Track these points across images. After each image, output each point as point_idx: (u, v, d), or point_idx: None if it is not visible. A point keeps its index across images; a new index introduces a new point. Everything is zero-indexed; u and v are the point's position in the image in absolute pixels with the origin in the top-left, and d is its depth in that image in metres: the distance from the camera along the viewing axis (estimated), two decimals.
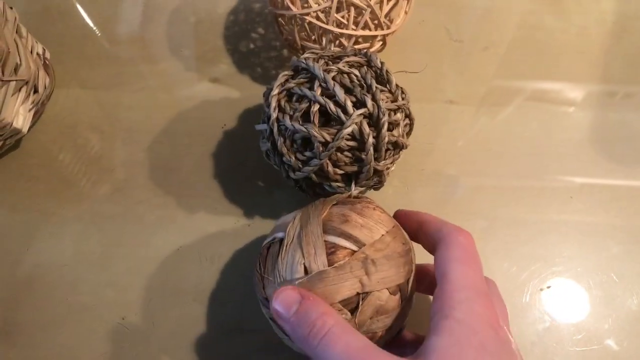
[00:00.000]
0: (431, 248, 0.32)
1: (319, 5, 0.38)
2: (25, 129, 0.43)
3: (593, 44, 0.49)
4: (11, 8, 0.42)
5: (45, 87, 0.44)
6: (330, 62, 0.35)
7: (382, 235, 0.30)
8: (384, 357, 0.24)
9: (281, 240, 0.31)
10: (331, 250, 0.29)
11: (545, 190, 0.44)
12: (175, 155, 0.45)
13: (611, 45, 0.49)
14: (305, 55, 0.36)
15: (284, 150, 0.35)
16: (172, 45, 0.49)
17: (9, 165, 0.45)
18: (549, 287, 0.41)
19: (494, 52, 0.49)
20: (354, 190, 0.35)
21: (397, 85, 0.36)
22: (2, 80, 0.39)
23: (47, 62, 0.46)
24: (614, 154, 0.45)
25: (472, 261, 0.29)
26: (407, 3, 0.41)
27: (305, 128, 0.33)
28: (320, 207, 0.31)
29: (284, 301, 0.27)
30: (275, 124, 0.35)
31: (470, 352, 0.24)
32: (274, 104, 0.35)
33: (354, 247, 0.29)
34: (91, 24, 0.50)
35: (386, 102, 0.34)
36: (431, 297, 0.37)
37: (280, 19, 0.42)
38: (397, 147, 0.35)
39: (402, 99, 0.36)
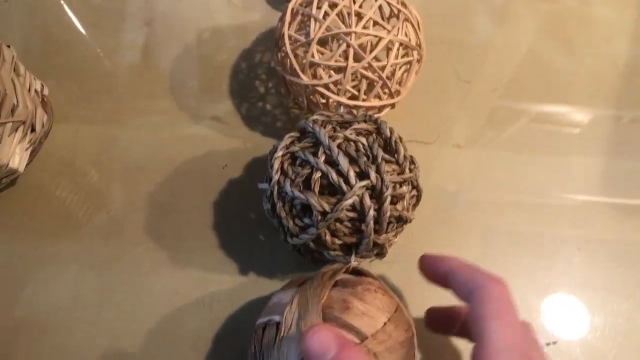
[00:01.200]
0: (463, 297, 0.30)
1: (330, 77, 0.37)
2: (21, 169, 0.42)
3: (603, 85, 0.48)
4: (9, 46, 0.41)
5: (43, 125, 0.43)
6: (338, 128, 0.34)
7: (385, 323, 0.29)
8: None
9: (277, 324, 0.30)
10: None
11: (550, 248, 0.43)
12: (175, 195, 0.44)
13: (621, 87, 0.48)
14: (314, 117, 0.35)
15: (283, 214, 0.34)
16: (174, 81, 0.48)
17: (5, 202, 0.44)
18: (555, 343, 0.40)
19: (502, 93, 0.48)
20: (354, 261, 0.34)
21: (405, 156, 0.34)
22: None
23: (45, 99, 0.45)
24: (620, 182, 0.45)
25: (509, 317, 0.27)
26: (419, 64, 0.40)
27: (305, 196, 0.32)
28: (319, 291, 0.30)
29: (320, 344, 0.25)
30: (276, 187, 0.34)
31: None
32: (276, 166, 0.34)
33: (356, 340, 0.28)
34: (92, 57, 0.49)
35: (392, 175, 0.33)
36: (462, 341, 0.36)
37: (289, 79, 0.40)
38: (401, 220, 0.34)
39: (410, 170, 0.34)
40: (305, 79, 0.37)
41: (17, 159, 0.41)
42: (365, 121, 0.35)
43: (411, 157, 0.35)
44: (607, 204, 0.44)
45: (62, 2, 0.51)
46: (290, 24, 0.39)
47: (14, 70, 0.41)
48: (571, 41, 0.49)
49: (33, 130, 0.42)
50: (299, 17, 0.39)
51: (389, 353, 0.28)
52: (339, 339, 0.25)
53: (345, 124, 0.35)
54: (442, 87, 0.48)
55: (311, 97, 0.40)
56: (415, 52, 0.39)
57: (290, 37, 0.38)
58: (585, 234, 0.43)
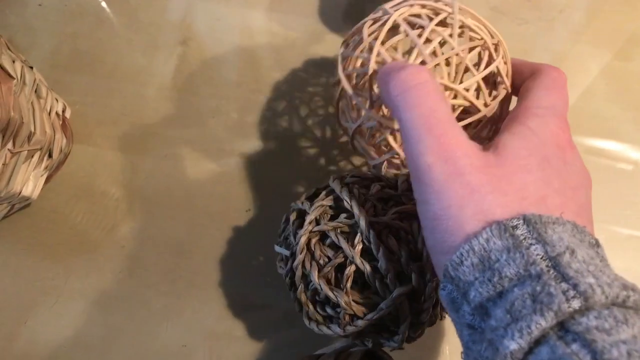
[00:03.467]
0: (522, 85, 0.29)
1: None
2: (35, 196, 0.40)
3: None
4: (31, 67, 0.38)
5: (61, 150, 0.41)
6: (379, 205, 0.30)
7: None
8: (458, 144, 0.23)
9: None
10: None
11: None
12: (192, 236, 0.42)
13: None
14: (348, 181, 0.31)
15: (303, 298, 0.30)
16: (203, 109, 0.45)
17: (16, 227, 0.42)
18: None
19: None
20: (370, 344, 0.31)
21: None
22: (12, 152, 0.36)
23: (66, 121, 0.42)
24: None
25: (559, 91, 0.27)
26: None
27: (334, 294, 0.28)
28: None
29: (390, 66, 0.25)
30: (300, 269, 0.30)
31: (534, 160, 0.23)
32: (302, 242, 0.30)
33: None
34: (122, 75, 0.46)
35: (436, 277, 0.28)
36: None
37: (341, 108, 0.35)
38: (434, 318, 0.30)
39: None
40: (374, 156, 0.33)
41: (31, 185, 0.39)
42: (410, 199, 0.30)
43: None
44: None
45: (98, 11, 0.48)
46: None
47: (35, 91, 0.38)
48: None
49: (50, 156, 0.40)
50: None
51: None
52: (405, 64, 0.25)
53: (385, 200, 0.31)
54: None
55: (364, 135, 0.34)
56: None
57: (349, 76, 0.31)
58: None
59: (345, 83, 0.31)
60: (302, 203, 0.32)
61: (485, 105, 0.29)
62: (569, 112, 0.44)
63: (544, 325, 0.18)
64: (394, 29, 0.30)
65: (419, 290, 0.28)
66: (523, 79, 0.29)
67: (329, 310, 0.30)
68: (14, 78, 0.34)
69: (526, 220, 0.21)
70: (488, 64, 0.29)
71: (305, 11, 0.48)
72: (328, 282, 0.29)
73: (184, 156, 0.44)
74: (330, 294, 0.28)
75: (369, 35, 0.30)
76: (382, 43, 0.29)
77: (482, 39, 0.29)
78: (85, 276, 0.41)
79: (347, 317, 0.28)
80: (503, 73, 0.29)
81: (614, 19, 0.48)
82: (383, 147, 0.33)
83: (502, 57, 0.29)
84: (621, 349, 0.17)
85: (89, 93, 0.46)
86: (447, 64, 0.28)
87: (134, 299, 0.40)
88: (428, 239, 0.24)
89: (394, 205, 0.30)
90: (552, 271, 0.19)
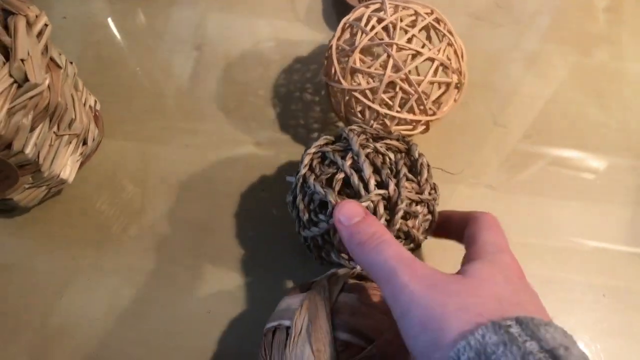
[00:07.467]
0: (459, 234, 0.33)
1: (368, 83, 0.39)
2: (70, 179, 0.44)
3: (633, 136, 0.49)
4: (71, 63, 0.43)
5: (94, 139, 0.45)
6: (371, 140, 0.36)
7: (392, 324, 0.30)
8: (428, 269, 0.26)
9: (287, 328, 0.31)
10: (341, 348, 0.30)
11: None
12: (213, 216, 0.46)
13: None
14: (352, 127, 0.37)
15: (301, 206, 0.35)
16: (219, 105, 0.50)
17: (50, 211, 0.45)
18: None
19: (536, 139, 0.49)
20: (359, 267, 0.35)
21: (427, 180, 0.35)
22: (57, 135, 0.40)
23: (97, 114, 0.46)
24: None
25: (500, 232, 0.31)
26: (458, 92, 0.41)
27: (324, 191, 0.33)
28: (327, 296, 0.32)
29: (348, 213, 0.30)
30: (301, 180, 0.35)
31: (500, 277, 0.26)
32: (306, 161, 0.36)
33: (364, 344, 0.30)
34: (143, 77, 0.51)
35: (409, 192, 0.33)
36: None
37: (330, 88, 0.42)
38: (409, 238, 0.35)
39: (430, 194, 0.35)
40: (345, 84, 0.39)
41: (68, 170, 0.43)
42: (398, 139, 0.37)
43: (434, 184, 0.36)
44: (635, 254, 0.45)
45: (117, 22, 0.53)
46: (339, 37, 0.41)
47: (74, 85, 0.43)
48: (602, 94, 0.51)
49: (85, 143, 0.44)
50: (348, 31, 0.41)
51: (398, 350, 0.29)
52: (364, 209, 0.31)
53: (378, 138, 0.37)
54: (477, 129, 0.50)
55: (348, 104, 0.41)
56: (454, 76, 0.40)
57: (337, 46, 0.40)
58: (611, 281, 0.44)
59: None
60: None
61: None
62: (539, 118, 0.50)
63: None
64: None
65: (393, 198, 0.33)
66: (463, 226, 0.33)
67: (320, 216, 0.34)
68: (61, 67, 0.39)
69: (519, 320, 0.22)
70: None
71: (306, 19, 0.54)
72: (321, 185, 0.34)
73: (203, 146, 0.48)
74: (322, 191, 0.33)
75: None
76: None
77: (411, 9, 0.39)
78: (115, 255, 0.44)
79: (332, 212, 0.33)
80: (438, 26, 0.40)
81: (576, 22, 0.55)
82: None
83: (435, 19, 0.40)
84: None
85: (114, 94, 0.50)
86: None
87: (161, 274, 0.44)
88: (417, 344, 0.24)
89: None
90: None
